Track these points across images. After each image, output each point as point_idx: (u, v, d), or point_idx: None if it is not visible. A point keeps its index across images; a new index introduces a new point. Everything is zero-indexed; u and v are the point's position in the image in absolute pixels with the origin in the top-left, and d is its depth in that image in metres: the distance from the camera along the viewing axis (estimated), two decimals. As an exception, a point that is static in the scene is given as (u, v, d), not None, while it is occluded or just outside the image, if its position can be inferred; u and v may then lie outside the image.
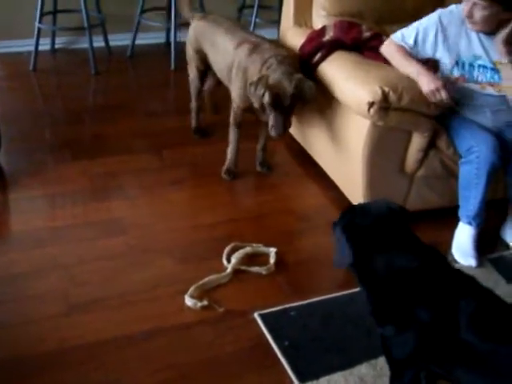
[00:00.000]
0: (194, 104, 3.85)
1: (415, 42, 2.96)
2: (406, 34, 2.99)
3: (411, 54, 2.96)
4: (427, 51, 2.97)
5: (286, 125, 3.07)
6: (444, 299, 1.84)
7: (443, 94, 2.74)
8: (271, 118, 3.02)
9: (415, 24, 2.99)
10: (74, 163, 3.51)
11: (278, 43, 3.40)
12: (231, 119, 3.42)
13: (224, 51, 3.36)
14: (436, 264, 1.92)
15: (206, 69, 3.66)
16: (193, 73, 3.74)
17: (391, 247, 1.90)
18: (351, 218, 1.97)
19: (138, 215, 3.13)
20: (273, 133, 3.04)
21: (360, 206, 2.13)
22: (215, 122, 4.00)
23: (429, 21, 2.95)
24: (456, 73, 2.94)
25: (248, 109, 3.28)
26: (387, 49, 3.01)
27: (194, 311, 2.52)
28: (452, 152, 2.93)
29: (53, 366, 2.23)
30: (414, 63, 2.86)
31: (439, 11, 2.95)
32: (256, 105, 3.09)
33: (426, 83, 2.76)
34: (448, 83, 2.78)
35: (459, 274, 1.94)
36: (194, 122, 3.91)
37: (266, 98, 2.98)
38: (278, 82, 2.98)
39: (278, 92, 2.96)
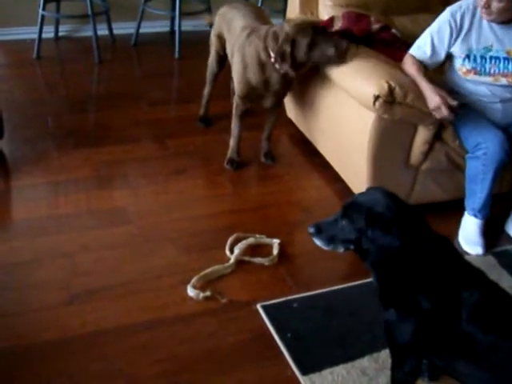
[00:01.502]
0: (206, 90, 3.83)
1: (432, 49, 2.92)
2: (421, 45, 2.96)
3: (430, 64, 2.95)
4: (446, 49, 2.93)
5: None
6: (447, 289, 1.84)
7: (444, 112, 2.73)
8: (329, 44, 3.01)
9: (427, 31, 2.95)
10: (78, 151, 3.50)
11: None
12: (233, 110, 3.40)
13: (233, 35, 3.36)
14: (445, 253, 1.91)
15: (225, 55, 3.62)
16: (212, 56, 3.74)
17: (418, 234, 1.87)
18: (369, 211, 1.90)
19: (141, 204, 3.12)
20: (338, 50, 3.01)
21: (361, 197, 2.06)
22: (220, 111, 3.97)
23: (440, 22, 2.92)
24: (467, 66, 2.91)
25: (249, 97, 3.27)
26: (405, 63, 2.95)
27: (197, 302, 2.51)
28: (458, 145, 2.92)
29: (54, 356, 2.23)
30: (423, 80, 2.82)
31: (449, 9, 2.92)
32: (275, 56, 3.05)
33: (433, 99, 2.75)
34: (452, 98, 2.76)
35: (467, 266, 1.93)
36: (202, 110, 3.89)
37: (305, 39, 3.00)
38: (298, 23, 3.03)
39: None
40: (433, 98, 2.74)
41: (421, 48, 2.95)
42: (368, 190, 2.09)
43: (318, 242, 2.03)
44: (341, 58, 3.02)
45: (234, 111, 3.40)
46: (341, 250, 2.00)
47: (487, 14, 2.80)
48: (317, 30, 3.03)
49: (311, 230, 2.03)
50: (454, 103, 2.73)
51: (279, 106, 3.53)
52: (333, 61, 3.05)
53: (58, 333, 2.32)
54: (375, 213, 1.87)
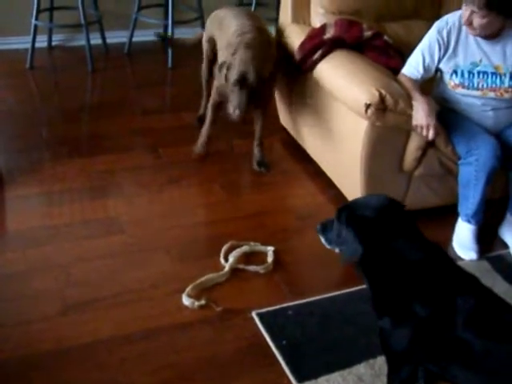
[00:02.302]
0: (204, 92, 3.88)
1: (424, 68, 2.93)
2: (413, 64, 2.96)
3: (421, 80, 2.96)
4: (436, 65, 2.94)
5: (250, 107, 3.09)
6: (442, 296, 1.84)
7: (430, 134, 2.76)
8: (235, 98, 3.04)
9: (418, 48, 2.96)
10: (71, 161, 3.50)
11: (263, 31, 3.40)
12: (209, 103, 3.49)
13: (225, 33, 3.40)
14: (438, 260, 1.92)
15: (214, 58, 3.66)
16: (204, 63, 3.80)
17: (396, 238, 1.90)
18: (352, 212, 1.97)
19: (135, 213, 3.11)
20: (236, 113, 3.04)
21: (357, 200, 2.12)
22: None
23: (430, 39, 2.92)
24: (455, 80, 2.93)
25: (222, 94, 3.30)
26: (399, 81, 2.96)
27: (192, 310, 2.51)
28: (450, 151, 2.93)
29: (50, 366, 2.22)
30: (417, 95, 2.83)
31: (436, 25, 2.93)
32: (219, 88, 3.17)
33: (420, 117, 2.76)
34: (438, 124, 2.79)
35: (461, 272, 1.94)
36: (201, 110, 3.91)
37: (233, 78, 3.02)
38: (245, 64, 3.03)
39: (246, 72, 3.01)
40: (424, 116, 2.75)
41: (413, 67, 2.96)
42: (372, 195, 2.11)
43: (322, 240, 2.10)
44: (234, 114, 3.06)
45: (209, 102, 3.49)
46: (337, 250, 2.04)
47: (471, 30, 2.81)
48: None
49: (318, 227, 2.10)
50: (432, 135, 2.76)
51: (261, 107, 3.46)
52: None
53: (53, 343, 2.31)
54: (355, 214, 1.93)
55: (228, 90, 3.11)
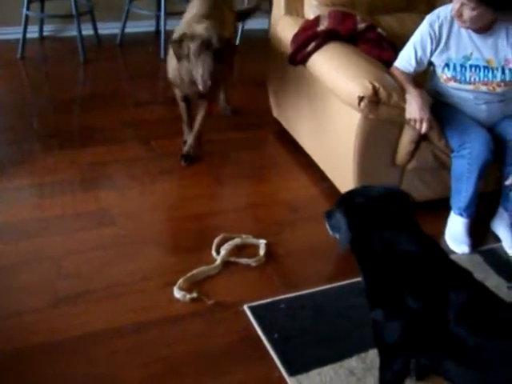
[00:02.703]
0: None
1: (417, 61, 2.92)
2: (405, 57, 2.95)
3: (414, 73, 2.95)
4: (428, 58, 2.94)
5: (217, 76, 3.04)
6: (434, 289, 1.84)
7: (424, 128, 2.75)
8: (200, 65, 2.99)
9: (411, 42, 2.95)
10: (62, 153, 3.47)
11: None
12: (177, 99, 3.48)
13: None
14: (431, 253, 1.92)
15: None
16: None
17: (388, 228, 1.91)
18: (349, 198, 1.99)
19: (126, 206, 3.10)
20: (206, 83, 3.00)
21: (363, 187, 2.13)
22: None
23: (421, 32, 2.91)
24: (448, 74, 2.92)
25: (175, 84, 3.29)
26: (392, 74, 2.95)
27: (183, 303, 2.50)
28: (444, 144, 2.92)
29: (41, 359, 2.21)
30: (410, 88, 2.83)
31: (428, 18, 2.91)
32: (173, 70, 3.13)
33: (413, 110, 2.75)
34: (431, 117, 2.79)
35: (454, 266, 1.94)
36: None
37: (195, 44, 2.98)
38: (205, 29, 3.02)
39: (208, 35, 2.99)
40: (418, 109, 2.74)
41: (406, 60, 2.95)
42: (383, 185, 2.11)
43: (326, 226, 2.09)
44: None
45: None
46: (337, 237, 2.03)
47: (461, 22, 2.80)
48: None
49: (324, 213, 2.10)
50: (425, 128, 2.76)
51: (207, 98, 3.40)
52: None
53: (44, 336, 2.29)
54: (351, 200, 1.96)
55: (191, 62, 3.04)
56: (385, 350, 1.97)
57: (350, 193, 2.06)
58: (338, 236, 2.02)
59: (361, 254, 1.96)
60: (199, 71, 3.01)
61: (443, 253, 1.97)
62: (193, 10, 3.41)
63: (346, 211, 1.93)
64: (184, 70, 3.13)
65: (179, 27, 3.28)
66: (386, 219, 1.92)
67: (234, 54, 3.30)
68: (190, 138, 3.50)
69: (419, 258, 1.88)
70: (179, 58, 3.08)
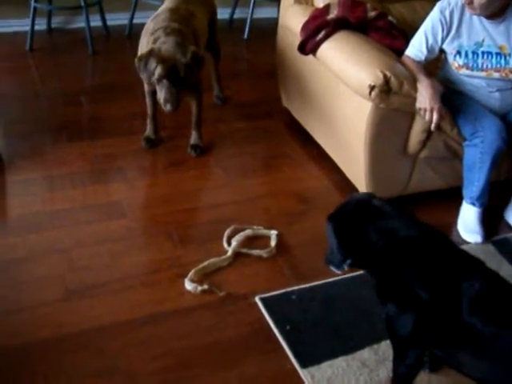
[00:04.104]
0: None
1: (428, 48, 2.89)
2: (416, 45, 2.92)
3: (425, 61, 2.91)
4: (440, 46, 2.90)
5: (181, 98, 3.02)
6: (445, 279, 1.82)
7: (435, 118, 2.72)
8: (164, 92, 2.97)
9: (421, 29, 2.92)
10: (72, 145, 3.47)
11: (180, 15, 3.27)
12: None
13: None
14: (434, 239, 1.91)
15: None
16: None
17: (382, 218, 1.90)
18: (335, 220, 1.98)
19: (137, 197, 3.10)
20: (168, 107, 2.99)
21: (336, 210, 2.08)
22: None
23: (432, 20, 2.88)
24: (459, 61, 2.88)
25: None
26: (403, 63, 2.91)
27: (194, 295, 2.49)
28: (456, 133, 2.89)
29: (51, 353, 2.20)
30: (421, 77, 2.79)
31: (438, 5, 2.88)
32: (145, 80, 3.07)
33: (424, 99, 2.72)
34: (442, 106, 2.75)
35: (465, 256, 1.92)
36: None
37: (159, 71, 2.93)
38: (170, 53, 2.95)
39: (173, 63, 2.93)
40: (429, 98, 2.71)
41: (417, 48, 2.92)
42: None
43: (332, 269, 2.07)
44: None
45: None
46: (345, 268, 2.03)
47: (472, 9, 2.76)
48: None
49: (324, 259, 2.07)
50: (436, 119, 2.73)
51: (194, 92, 3.36)
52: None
53: (55, 330, 2.29)
54: (338, 209, 1.98)
55: (155, 82, 3.00)
56: (399, 342, 1.95)
57: (332, 218, 2.00)
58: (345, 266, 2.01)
59: (363, 257, 1.95)
60: (162, 96, 3.00)
61: (447, 240, 1.96)
62: (167, 2, 3.39)
63: (332, 224, 1.94)
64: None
65: (147, 25, 3.24)
66: (375, 214, 1.91)
67: (203, 63, 3.17)
68: (192, 132, 3.48)
69: (423, 245, 1.87)
70: (143, 74, 3.05)
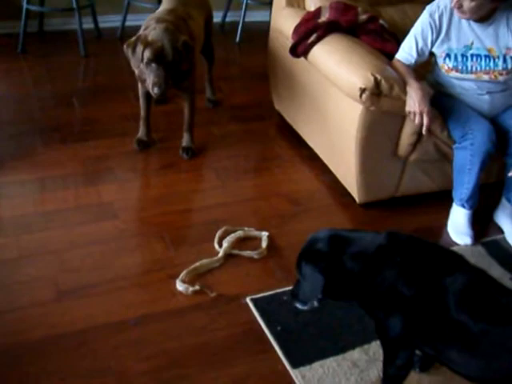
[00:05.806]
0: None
1: (418, 52, 2.91)
2: (406, 49, 2.94)
3: (415, 64, 2.94)
4: (429, 49, 2.92)
5: (169, 83, 3.02)
6: (426, 275, 1.84)
7: (425, 121, 2.74)
8: (152, 75, 2.97)
9: (411, 33, 2.93)
10: (64, 146, 3.47)
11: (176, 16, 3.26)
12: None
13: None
14: (408, 243, 1.93)
15: None
16: None
17: (354, 249, 1.91)
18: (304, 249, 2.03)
19: (128, 199, 3.10)
20: (155, 90, 2.98)
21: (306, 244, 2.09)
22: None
23: (422, 23, 2.89)
24: (449, 64, 2.91)
25: (141, 79, 3.22)
26: (393, 67, 2.93)
27: (186, 296, 2.50)
28: (446, 136, 2.92)
29: (43, 354, 2.21)
30: (411, 80, 2.81)
31: (428, 9, 2.89)
32: (135, 69, 3.07)
33: (413, 103, 2.74)
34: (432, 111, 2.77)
35: (445, 252, 1.95)
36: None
37: (147, 54, 2.95)
38: (159, 37, 2.97)
39: (161, 46, 2.95)
40: (418, 101, 2.73)
41: (407, 51, 2.94)
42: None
43: (298, 305, 2.07)
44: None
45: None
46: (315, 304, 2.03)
47: (461, 13, 2.78)
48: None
49: (288, 296, 2.10)
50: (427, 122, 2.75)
51: (185, 88, 3.38)
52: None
53: (46, 330, 2.29)
54: (311, 249, 1.98)
55: (144, 67, 3.02)
56: (389, 344, 1.97)
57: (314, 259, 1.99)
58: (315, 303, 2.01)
59: (344, 289, 1.95)
60: (150, 80, 3.00)
61: (414, 237, 1.97)
62: (165, 4, 3.42)
63: (309, 259, 1.96)
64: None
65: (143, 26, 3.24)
66: (343, 244, 1.92)
67: (193, 54, 3.19)
68: (184, 134, 3.48)
69: (396, 249, 1.89)
70: (132, 60, 3.07)
